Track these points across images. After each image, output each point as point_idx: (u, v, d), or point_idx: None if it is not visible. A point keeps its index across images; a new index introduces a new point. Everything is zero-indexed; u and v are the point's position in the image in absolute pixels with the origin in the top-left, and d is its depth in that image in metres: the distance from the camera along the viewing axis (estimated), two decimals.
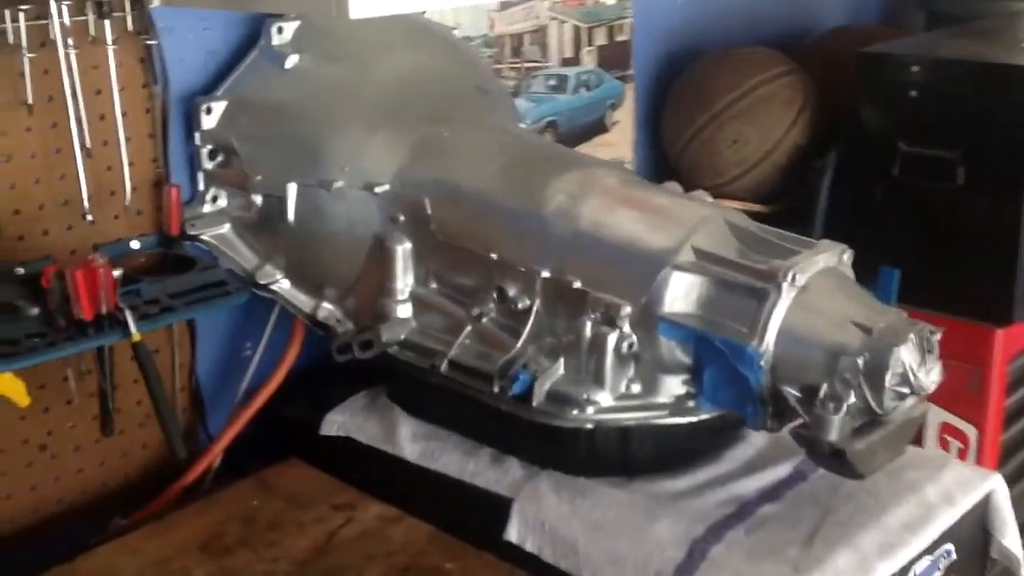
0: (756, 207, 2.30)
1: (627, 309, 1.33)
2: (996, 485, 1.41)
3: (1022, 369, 2.10)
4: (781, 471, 1.40)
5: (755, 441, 1.46)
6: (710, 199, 1.50)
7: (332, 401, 1.63)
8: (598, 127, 2.27)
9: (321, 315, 1.62)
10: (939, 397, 2.05)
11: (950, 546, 1.35)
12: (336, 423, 1.59)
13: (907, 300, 2.04)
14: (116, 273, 1.36)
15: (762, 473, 1.40)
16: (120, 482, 1.61)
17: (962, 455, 2.07)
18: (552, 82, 2.16)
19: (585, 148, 2.25)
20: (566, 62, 2.18)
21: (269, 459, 1.60)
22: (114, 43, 1.47)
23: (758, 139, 2.21)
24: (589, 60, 2.22)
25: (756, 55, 2.27)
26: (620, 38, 2.28)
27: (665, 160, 2.37)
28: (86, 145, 1.46)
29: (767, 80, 2.22)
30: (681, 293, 1.32)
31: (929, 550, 1.31)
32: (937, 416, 2.08)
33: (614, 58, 2.27)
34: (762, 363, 1.25)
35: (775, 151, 2.22)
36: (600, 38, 2.23)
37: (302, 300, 1.63)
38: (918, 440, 2.10)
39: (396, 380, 1.59)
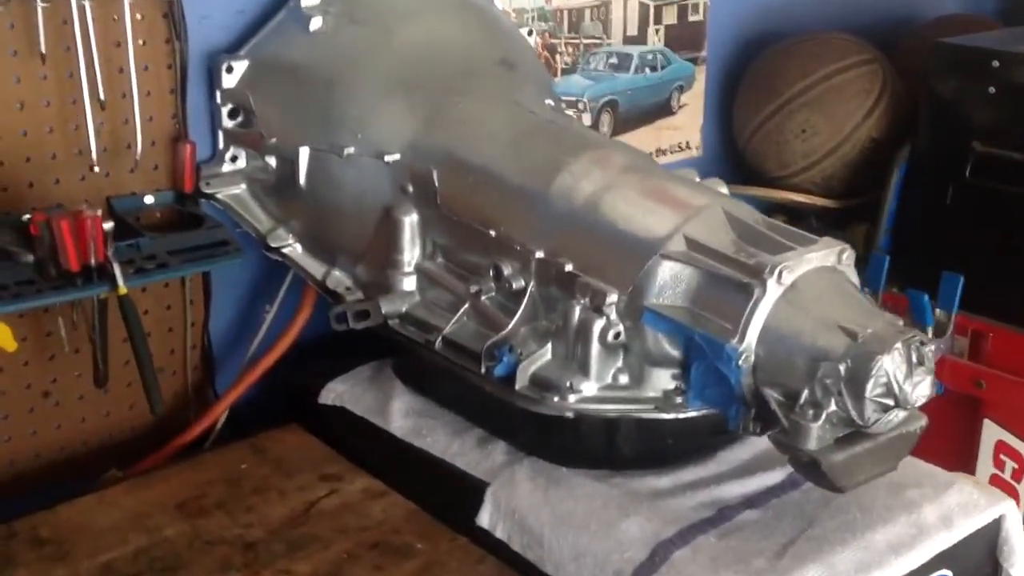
0: (822, 201, 2.20)
1: (613, 296, 1.27)
2: (1007, 511, 1.30)
3: None
4: (773, 477, 1.32)
5: (754, 443, 1.38)
6: (723, 188, 1.42)
7: (338, 370, 1.62)
8: (663, 109, 2.19)
9: (331, 282, 1.60)
10: (997, 413, 1.95)
11: (946, 571, 1.25)
12: (335, 392, 1.57)
13: (970, 309, 1.93)
14: (107, 226, 1.36)
15: (752, 478, 1.33)
16: (126, 435, 1.63)
17: (1016, 476, 1.94)
18: (613, 60, 2.09)
19: (648, 130, 2.18)
20: (630, 40, 2.10)
21: (276, 424, 1.60)
22: None
23: (828, 130, 2.10)
24: (656, 39, 2.14)
25: (833, 41, 2.16)
26: (694, 18, 2.19)
27: (734, 147, 2.28)
28: (99, 97, 1.47)
29: (842, 69, 2.10)
30: (669, 283, 1.25)
31: (917, 573, 1.22)
32: (993, 433, 1.96)
33: (685, 38, 2.18)
34: (741, 362, 1.17)
35: (846, 143, 2.11)
36: (670, 17, 2.15)
37: (313, 266, 1.61)
38: (973, 456, 1.98)
39: (397, 354, 1.56)
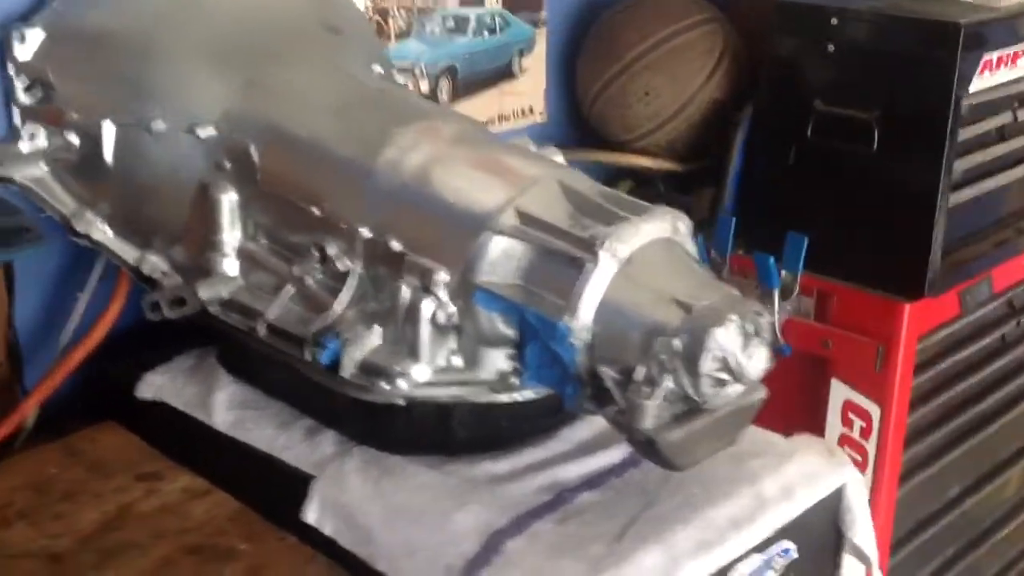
0: (668, 165, 2.16)
1: (443, 276, 1.20)
2: (848, 479, 1.28)
3: (935, 348, 1.97)
4: (614, 456, 1.28)
5: (595, 421, 1.33)
6: (559, 157, 1.36)
7: (157, 361, 1.51)
8: (505, 74, 2.12)
9: (146, 268, 1.49)
10: (844, 373, 1.95)
11: (788, 544, 1.23)
12: (153, 385, 1.47)
13: (816, 269, 1.92)
14: None
15: (593, 457, 1.28)
16: None
17: (865, 434, 1.94)
18: (451, 23, 2.01)
19: (490, 96, 2.11)
20: (466, 3, 2.02)
21: (94, 422, 1.48)
22: None
23: (671, 92, 2.06)
24: (494, 1, 2.06)
25: (673, 1, 2.11)
26: None
27: (580, 112, 2.22)
28: None
29: (683, 29, 2.06)
30: (501, 260, 1.18)
31: (759, 548, 1.19)
32: (841, 393, 1.95)
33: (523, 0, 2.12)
34: (574, 340, 1.12)
35: (689, 105, 2.08)
36: None
37: (126, 250, 1.49)
38: (822, 416, 1.98)
39: (220, 342, 1.46)
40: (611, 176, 2.28)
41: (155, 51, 1.42)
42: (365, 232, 1.27)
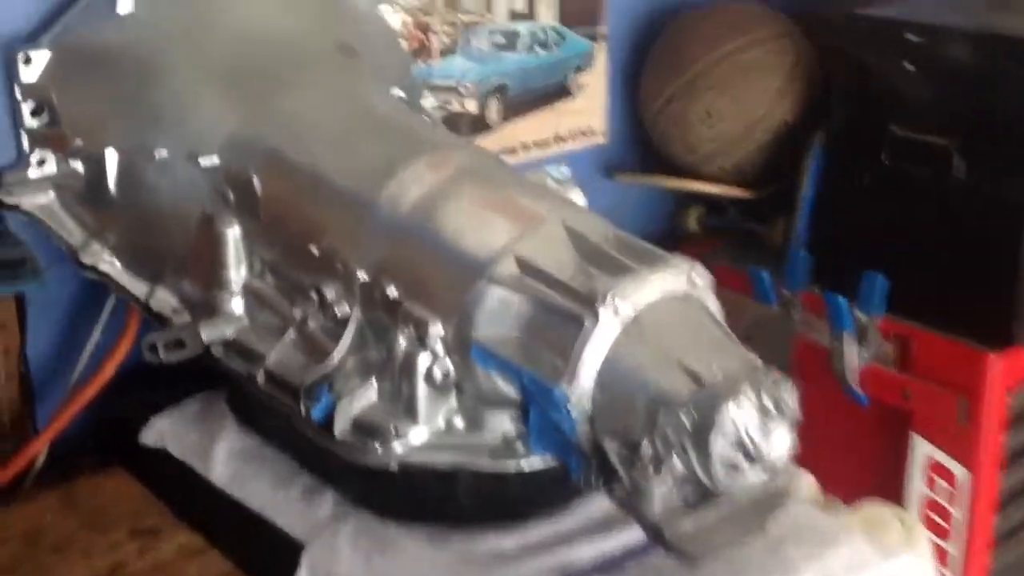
0: (736, 191, 2.01)
1: (438, 328, 1.09)
2: (902, 570, 1.12)
3: None
4: (634, 535, 1.14)
5: None
6: (578, 194, 1.23)
7: (168, 403, 1.43)
8: (560, 91, 2.00)
9: (155, 303, 1.41)
10: (926, 429, 1.77)
11: None
12: (157, 431, 1.38)
13: (896, 310, 1.77)
14: None
15: (612, 535, 1.14)
16: None
17: (951, 500, 1.75)
18: (499, 39, 1.90)
19: (545, 116, 1.99)
20: (518, 16, 1.91)
21: (103, 466, 1.41)
22: None
23: (734, 114, 1.91)
24: (547, 14, 1.94)
25: (744, 13, 1.96)
26: None
27: (644, 131, 2.08)
28: None
29: (751, 44, 1.91)
30: (499, 311, 1.06)
31: None
32: (925, 451, 1.77)
33: (581, 13, 1.99)
34: (572, 408, 0.99)
35: (756, 128, 1.92)
36: None
37: (135, 285, 1.42)
38: (902, 475, 1.81)
39: (227, 386, 1.38)
40: (680, 201, 2.14)
41: (159, 74, 1.35)
42: (362, 275, 1.16)
